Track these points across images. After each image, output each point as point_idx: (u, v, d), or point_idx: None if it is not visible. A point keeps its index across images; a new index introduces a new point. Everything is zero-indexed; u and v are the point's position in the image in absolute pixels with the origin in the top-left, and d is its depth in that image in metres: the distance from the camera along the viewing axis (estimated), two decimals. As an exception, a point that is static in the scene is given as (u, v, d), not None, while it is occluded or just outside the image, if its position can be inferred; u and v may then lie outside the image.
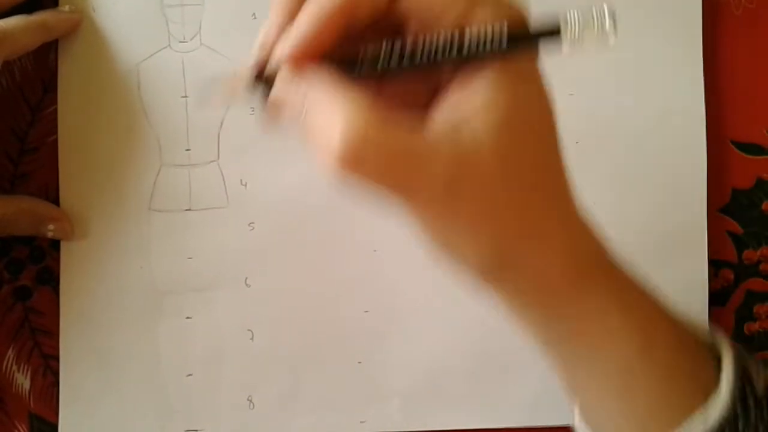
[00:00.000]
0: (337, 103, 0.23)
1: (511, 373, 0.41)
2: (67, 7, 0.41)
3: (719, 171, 0.43)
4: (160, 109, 0.42)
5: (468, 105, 0.24)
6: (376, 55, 0.24)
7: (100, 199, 0.41)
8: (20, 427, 0.42)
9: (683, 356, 0.29)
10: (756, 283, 0.43)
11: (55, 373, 0.41)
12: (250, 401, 0.41)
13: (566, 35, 0.23)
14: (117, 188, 0.42)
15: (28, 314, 0.42)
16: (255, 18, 0.42)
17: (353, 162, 0.22)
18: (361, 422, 0.41)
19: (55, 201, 0.42)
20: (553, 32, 0.23)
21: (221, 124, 0.42)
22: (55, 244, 0.42)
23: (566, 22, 0.23)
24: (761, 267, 0.43)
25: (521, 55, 0.24)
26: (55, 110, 0.42)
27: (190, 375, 0.41)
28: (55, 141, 0.42)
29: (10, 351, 0.42)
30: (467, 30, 0.23)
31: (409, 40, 0.24)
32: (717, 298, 0.43)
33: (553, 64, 0.42)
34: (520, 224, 0.25)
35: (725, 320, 0.43)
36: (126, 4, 0.42)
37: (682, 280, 0.42)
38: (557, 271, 0.26)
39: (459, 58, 0.23)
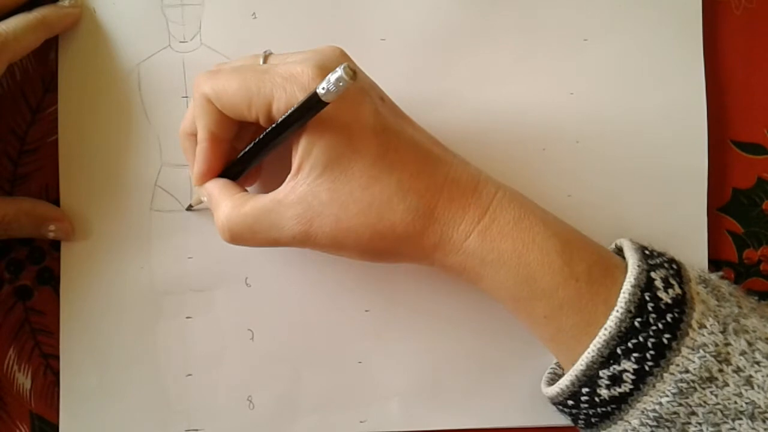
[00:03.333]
0: (217, 202, 0.35)
1: (511, 374, 0.41)
2: (66, 2, 0.41)
3: (720, 170, 0.43)
4: (160, 109, 0.42)
5: (297, 159, 0.33)
6: (240, 159, 0.36)
7: (100, 200, 0.42)
8: (21, 427, 0.42)
9: (597, 269, 0.34)
10: (756, 283, 0.43)
11: (56, 373, 0.41)
12: (250, 401, 0.41)
13: (320, 90, 0.31)
14: (117, 188, 0.42)
15: (28, 314, 0.42)
16: (255, 18, 0.42)
17: (232, 240, 0.35)
18: (361, 422, 0.41)
19: (56, 201, 0.42)
20: (314, 99, 0.31)
21: (221, 124, 0.42)
22: (56, 245, 0.42)
23: (322, 89, 0.31)
24: (762, 267, 0.43)
25: (310, 114, 0.32)
26: (55, 110, 0.42)
27: (190, 375, 0.42)
28: (55, 141, 0.42)
29: (10, 351, 0.42)
30: (272, 115, 0.33)
31: (248, 144, 0.36)
32: (717, 297, 0.43)
33: (553, 64, 0.42)
34: (368, 229, 0.33)
35: (725, 320, 0.43)
36: (126, 4, 0.42)
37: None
38: (414, 234, 0.35)
39: (275, 140, 0.34)
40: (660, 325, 0.32)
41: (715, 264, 0.42)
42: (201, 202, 0.40)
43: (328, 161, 0.33)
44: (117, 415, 0.41)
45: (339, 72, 0.30)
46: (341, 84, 0.30)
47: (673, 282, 0.34)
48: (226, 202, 0.35)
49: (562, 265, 0.34)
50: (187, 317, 0.42)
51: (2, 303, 0.42)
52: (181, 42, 0.42)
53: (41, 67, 0.42)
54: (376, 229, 0.33)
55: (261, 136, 0.34)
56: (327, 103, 0.31)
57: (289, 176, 0.34)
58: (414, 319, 0.42)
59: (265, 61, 0.35)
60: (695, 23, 0.42)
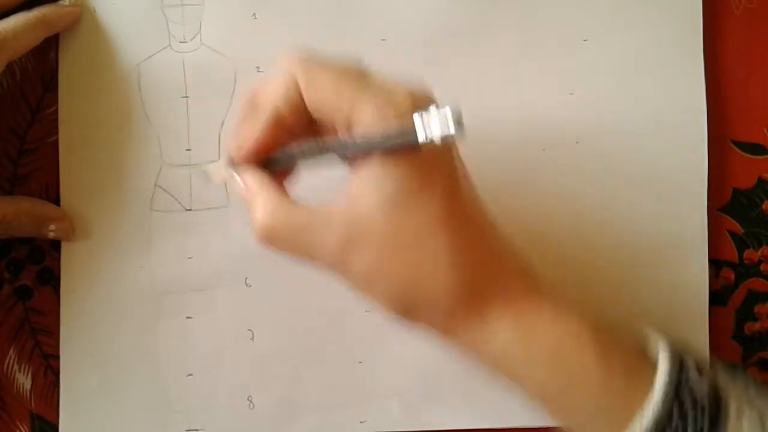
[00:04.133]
0: (256, 198, 0.32)
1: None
2: (66, 1, 0.41)
3: (720, 171, 0.43)
4: (160, 109, 0.42)
5: (360, 185, 0.30)
6: (292, 154, 0.32)
7: (100, 200, 0.42)
8: (21, 427, 0.42)
9: (619, 360, 0.31)
10: (756, 283, 0.43)
11: (56, 373, 0.41)
12: (250, 401, 0.42)
13: (422, 138, 0.28)
14: (117, 188, 0.42)
15: (28, 314, 0.42)
16: (255, 18, 0.42)
17: (268, 241, 0.32)
18: (361, 422, 0.41)
19: (56, 201, 0.42)
20: (411, 135, 0.28)
21: (222, 123, 0.42)
22: (56, 244, 0.42)
23: (420, 128, 0.28)
24: (762, 267, 0.43)
25: (397, 148, 0.29)
26: (56, 110, 0.42)
27: (190, 375, 0.42)
28: (56, 141, 0.42)
29: (11, 351, 0.42)
30: (353, 131, 0.30)
31: (311, 142, 0.32)
32: (717, 298, 0.43)
33: (553, 64, 0.42)
34: (407, 282, 0.31)
35: (725, 320, 0.43)
36: (126, 4, 0.42)
37: (682, 280, 0.42)
38: (448, 318, 0.32)
39: (346, 152, 0.31)
40: (700, 422, 0.30)
41: (715, 264, 0.42)
42: (220, 180, 0.35)
43: (396, 197, 0.30)
44: (117, 415, 0.41)
45: (450, 130, 0.28)
46: (446, 136, 0.28)
47: (704, 376, 0.31)
48: (269, 199, 0.32)
49: (598, 367, 0.31)
50: (187, 317, 0.42)
51: (2, 303, 0.42)
52: (181, 42, 0.42)
53: (41, 66, 0.42)
54: (413, 283, 0.31)
55: (329, 142, 0.32)
56: (419, 145, 0.29)
57: (347, 195, 0.31)
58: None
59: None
60: (695, 23, 0.42)
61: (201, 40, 0.42)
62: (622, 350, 0.32)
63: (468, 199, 0.32)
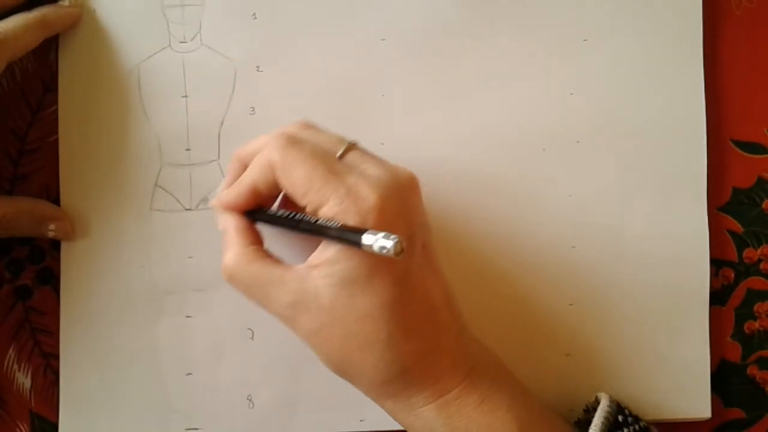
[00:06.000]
0: (231, 242, 0.35)
1: (511, 373, 0.41)
2: (66, 2, 0.41)
3: (719, 170, 0.43)
4: (160, 109, 0.42)
5: (318, 259, 0.33)
6: (269, 217, 0.36)
7: (100, 199, 0.42)
8: (21, 426, 0.42)
9: None
10: (756, 282, 0.43)
11: (56, 372, 0.42)
12: (250, 401, 0.42)
13: (365, 247, 0.31)
14: (117, 188, 0.42)
15: (28, 314, 0.42)
16: (255, 18, 0.42)
17: (229, 280, 0.35)
18: (361, 421, 0.41)
19: (56, 201, 0.42)
20: (357, 239, 0.31)
21: (222, 123, 0.42)
22: (56, 244, 0.42)
23: (367, 245, 0.30)
24: (762, 266, 0.43)
25: (349, 242, 0.32)
26: (56, 110, 0.42)
27: (190, 374, 0.42)
28: (56, 141, 0.42)
29: (10, 350, 0.42)
30: (319, 215, 0.33)
31: (281, 211, 0.36)
32: (717, 297, 0.43)
33: (553, 63, 0.42)
34: (341, 354, 0.34)
35: (725, 319, 0.43)
36: (126, 4, 0.42)
37: (682, 280, 0.42)
38: (376, 391, 0.35)
39: (310, 232, 0.34)
40: None
41: (715, 263, 0.42)
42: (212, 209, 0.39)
43: (344, 280, 0.33)
44: (117, 415, 0.41)
45: (389, 248, 0.30)
46: (384, 253, 0.30)
47: None
48: (238, 249, 0.35)
49: None
50: (187, 316, 0.42)
51: (2, 303, 0.42)
52: (181, 42, 0.42)
53: (41, 67, 0.42)
54: (347, 356, 0.34)
55: (296, 221, 0.35)
56: (361, 247, 0.31)
57: (305, 265, 0.34)
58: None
59: (343, 154, 0.35)
60: (695, 23, 0.42)
61: (201, 40, 0.42)
62: None
63: (419, 288, 0.34)
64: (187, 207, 0.42)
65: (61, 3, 0.41)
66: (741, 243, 0.43)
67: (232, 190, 0.36)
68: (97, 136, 0.42)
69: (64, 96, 0.42)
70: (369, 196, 0.32)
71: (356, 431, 0.41)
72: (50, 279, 0.42)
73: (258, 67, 0.42)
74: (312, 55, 0.42)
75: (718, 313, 0.43)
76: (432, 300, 0.35)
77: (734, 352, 0.43)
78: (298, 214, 0.35)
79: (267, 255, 0.35)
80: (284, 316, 0.35)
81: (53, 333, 0.42)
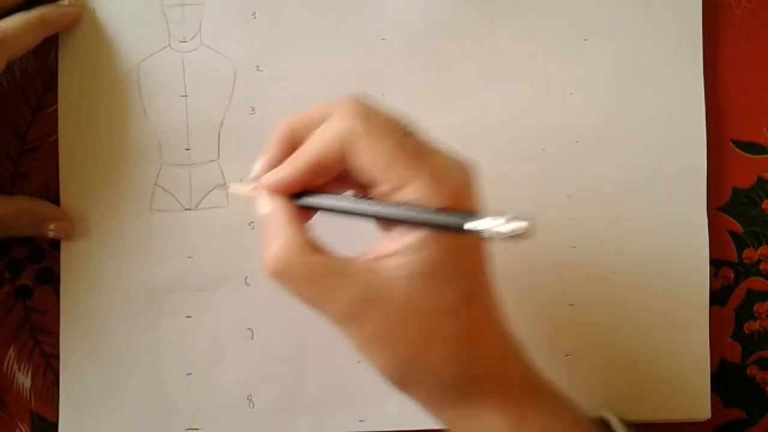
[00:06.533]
0: (279, 230, 0.30)
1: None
2: (66, 1, 0.41)
3: (719, 170, 0.43)
4: (160, 109, 0.42)
5: (391, 249, 0.29)
6: (325, 204, 0.31)
7: (100, 199, 0.42)
8: (21, 426, 0.42)
9: None
10: (756, 283, 0.43)
11: (56, 373, 0.42)
12: (250, 401, 0.42)
13: (482, 232, 0.27)
14: (117, 188, 0.42)
15: (28, 314, 0.42)
16: (255, 18, 0.42)
17: (278, 275, 0.30)
18: (361, 421, 0.41)
19: (56, 201, 0.42)
20: (466, 227, 0.27)
21: (222, 123, 0.42)
22: (56, 244, 0.42)
23: (482, 226, 0.27)
24: (761, 266, 0.43)
25: (440, 227, 0.28)
26: (56, 110, 0.42)
27: (190, 374, 0.42)
28: (56, 141, 0.42)
29: (11, 350, 0.42)
30: (395, 198, 0.29)
31: (349, 195, 0.32)
32: (717, 297, 0.43)
33: (553, 63, 0.42)
34: (412, 354, 0.30)
35: (725, 319, 0.43)
36: (126, 4, 0.42)
37: (682, 280, 0.42)
38: (442, 397, 0.31)
39: (385, 217, 0.30)
40: None
41: (715, 264, 0.42)
42: (239, 194, 0.35)
43: (426, 271, 0.29)
44: (117, 415, 0.41)
45: (524, 228, 0.26)
46: (518, 235, 0.26)
47: None
48: (290, 238, 0.30)
49: None
50: (187, 317, 0.42)
51: (2, 303, 0.42)
52: (181, 42, 0.42)
53: (41, 66, 0.42)
54: (418, 355, 0.30)
55: (372, 207, 0.30)
56: (465, 230, 0.28)
57: (374, 255, 0.30)
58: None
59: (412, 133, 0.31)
60: (695, 23, 0.42)
61: (201, 40, 0.42)
62: None
63: (489, 293, 0.32)
64: (187, 207, 0.42)
65: (60, 2, 0.41)
66: (741, 243, 0.43)
67: (287, 167, 0.31)
68: (97, 135, 0.42)
69: (64, 95, 0.42)
70: (461, 177, 0.29)
71: None
72: (50, 279, 0.42)
73: (258, 67, 0.42)
74: (312, 55, 0.42)
75: (718, 314, 0.43)
76: (497, 298, 0.32)
77: (734, 352, 0.43)
78: (372, 198, 0.30)
79: (323, 246, 0.31)
80: (347, 315, 0.30)
81: (53, 333, 0.42)
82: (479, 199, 0.30)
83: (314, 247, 0.30)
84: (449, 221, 0.28)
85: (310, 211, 0.33)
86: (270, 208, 0.31)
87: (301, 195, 0.32)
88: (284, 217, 0.31)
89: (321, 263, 0.30)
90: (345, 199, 0.31)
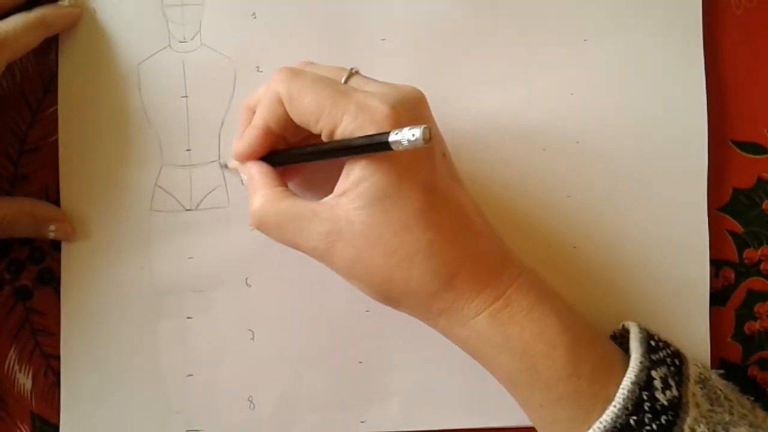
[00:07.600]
0: (256, 186, 0.36)
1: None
2: (66, 2, 0.41)
3: (720, 170, 0.43)
4: (160, 109, 0.42)
5: (344, 185, 0.34)
6: (290, 155, 0.37)
7: (100, 200, 0.42)
8: (22, 427, 0.42)
9: (595, 355, 0.35)
10: (756, 283, 0.43)
11: (57, 373, 0.42)
12: (251, 401, 0.42)
13: (393, 145, 0.31)
14: (117, 189, 0.42)
15: (29, 314, 0.42)
16: (255, 18, 0.42)
17: (259, 225, 0.36)
18: (361, 422, 0.41)
19: (56, 202, 0.42)
20: (382, 141, 0.31)
21: (222, 123, 0.42)
22: (56, 245, 0.42)
23: (394, 138, 0.31)
24: (762, 266, 0.43)
25: (372, 150, 0.32)
26: (55, 111, 0.42)
27: (190, 375, 0.42)
28: (55, 141, 0.42)
29: (11, 351, 0.42)
30: (335, 136, 0.34)
31: (303, 147, 0.37)
32: (717, 297, 0.43)
33: (553, 64, 0.42)
34: (387, 276, 0.34)
35: (726, 320, 0.43)
36: (126, 4, 0.42)
37: (683, 280, 0.42)
38: (429, 307, 0.35)
39: (334, 154, 0.34)
40: (654, 426, 0.33)
41: (715, 264, 0.42)
42: (233, 168, 0.41)
43: (374, 198, 0.33)
44: (117, 415, 0.41)
45: (418, 135, 0.30)
46: (414, 143, 0.30)
47: (671, 383, 0.34)
48: (265, 190, 0.36)
49: (567, 362, 0.34)
50: (187, 317, 0.42)
51: (2, 303, 0.42)
52: (181, 42, 0.42)
53: (41, 67, 0.42)
54: (391, 276, 0.34)
55: (317, 148, 0.35)
56: (391, 149, 0.31)
57: (332, 195, 0.34)
58: (414, 319, 0.41)
59: (347, 80, 0.35)
60: (695, 23, 0.42)
61: (201, 40, 0.42)
62: (594, 351, 0.35)
63: (449, 195, 0.35)
64: (187, 207, 0.42)
65: (60, 3, 0.41)
66: (741, 243, 0.43)
67: (246, 136, 0.37)
68: (97, 136, 0.42)
69: (64, 96, 0.42)
70: (380, 106, 0.33)
71: None
72: (50, 280, 0.42)
73: (258, 67, 0.42)
74: (312, 54, 0.42)
75: (719, 314, 0.43)
76: (463, 207, 0.35)
77: (735, 352, 0.43)
78: (314, 146, 0.35)
79: (294, 194, 0.36)
80: (320, 249, 0.34)
81: (54, 334, 0.42)
82: (416, 122, 0.33)
83: (287, 195, 0.35)
84: (376, 141, 0.32)
85: (289, 170, 0.39)
86: (245, 172, 0.37)
87: (271, 157, 0.37)
88: (257, 176, 0.36)
89: (292, 207, 0.35)
90: (300, 148, 0.36)
